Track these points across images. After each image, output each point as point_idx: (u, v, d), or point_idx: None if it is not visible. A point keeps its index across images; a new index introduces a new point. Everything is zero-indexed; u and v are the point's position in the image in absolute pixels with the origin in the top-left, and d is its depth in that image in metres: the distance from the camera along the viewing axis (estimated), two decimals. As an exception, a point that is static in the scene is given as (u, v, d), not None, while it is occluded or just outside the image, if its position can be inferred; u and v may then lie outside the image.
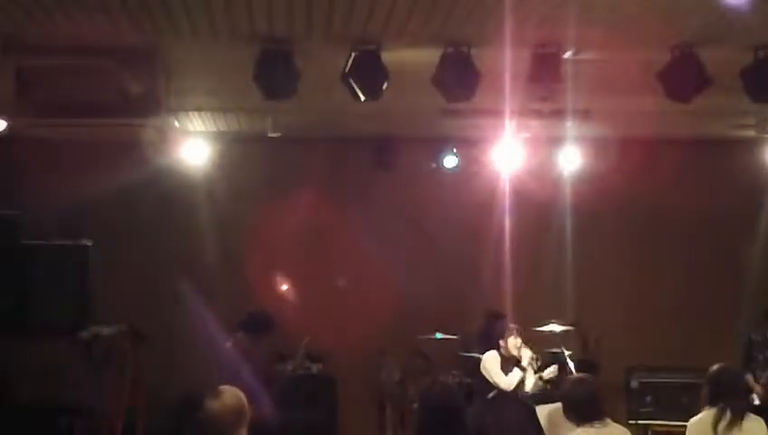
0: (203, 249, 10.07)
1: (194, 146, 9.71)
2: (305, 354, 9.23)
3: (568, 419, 5.03)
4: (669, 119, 8.76)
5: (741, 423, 5.20)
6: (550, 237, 10.31)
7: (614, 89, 7.96)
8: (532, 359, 8.18)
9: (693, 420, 5.36)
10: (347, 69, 6.77)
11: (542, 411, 7.59)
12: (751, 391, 8.30)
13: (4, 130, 7.92)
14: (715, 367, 5.46)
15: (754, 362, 8.67)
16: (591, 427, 4.89)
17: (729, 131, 10.02)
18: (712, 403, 5.30)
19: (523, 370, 8.04)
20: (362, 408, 9.97)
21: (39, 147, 9.25)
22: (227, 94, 8.58)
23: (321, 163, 10.32)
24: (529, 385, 8.25)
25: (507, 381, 8.02)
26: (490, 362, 8.10)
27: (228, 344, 7.67)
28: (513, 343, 8.13)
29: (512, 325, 8.30)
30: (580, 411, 4.94)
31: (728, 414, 5.20)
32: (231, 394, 4.56)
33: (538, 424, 7.83)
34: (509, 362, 8.11)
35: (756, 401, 8.33)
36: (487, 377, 8.10)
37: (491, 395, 8.10)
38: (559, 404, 5.22)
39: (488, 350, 8.16)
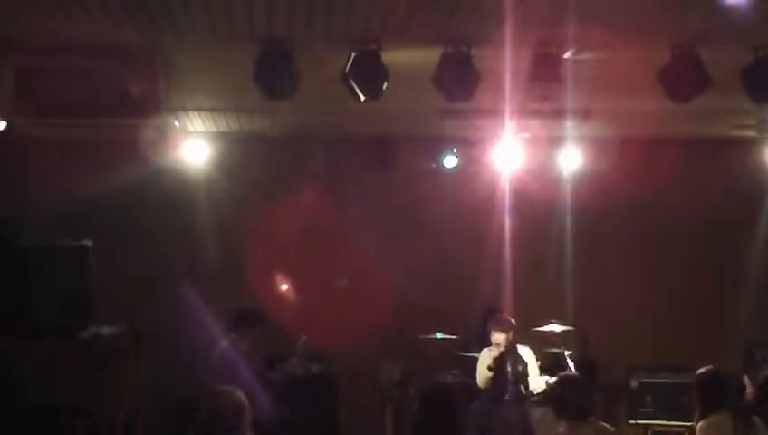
0: (203, 249, 10.07)
1: (194, 146, 9.73)
2: (303, 354, 9.23)
3: (556, 416, 5.07)
4: (669, 119, 8.76)
5: (756, 425, 5.21)
6: (550, 237, 10.31)
7: (614, 89, 7.96)
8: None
9: (705, 424, 5.32)
10: (347, 69, 6.76)
11: (536, 413, 7.64)
12: (744, 390, 8.30)
13: (5, 130, 7.90)
14: (703, 370, 5.44)
15: (754, 361, 8.66)
16: (576, 422, 4.94)
17: (729, 131, 10.02)
18: (713, 407, 5.27)
19: (490, 369, 8.04)
20: (362, 408, 9.97)
21: (39, 147, 9.24)
22: (227, 94, 8.58)
23: (321, 163, 10.31)
24: (534, 385, 8.25)
25: (479, 380, 8.15)
26: (479, 360, 8.21)
27: (224, 344, 7.67)
28: (495, 338, 8.12)
29: (497, 317, 8.31)
30: (566, 409, 4.99)
31: (741, 418, 5.20)
32: (230, 394, 4.57)
33: (529, 425, 7.88)
34: (504, 357, 8.15)
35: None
36: None
37: (489, 394, 8.17)
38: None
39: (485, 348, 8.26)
